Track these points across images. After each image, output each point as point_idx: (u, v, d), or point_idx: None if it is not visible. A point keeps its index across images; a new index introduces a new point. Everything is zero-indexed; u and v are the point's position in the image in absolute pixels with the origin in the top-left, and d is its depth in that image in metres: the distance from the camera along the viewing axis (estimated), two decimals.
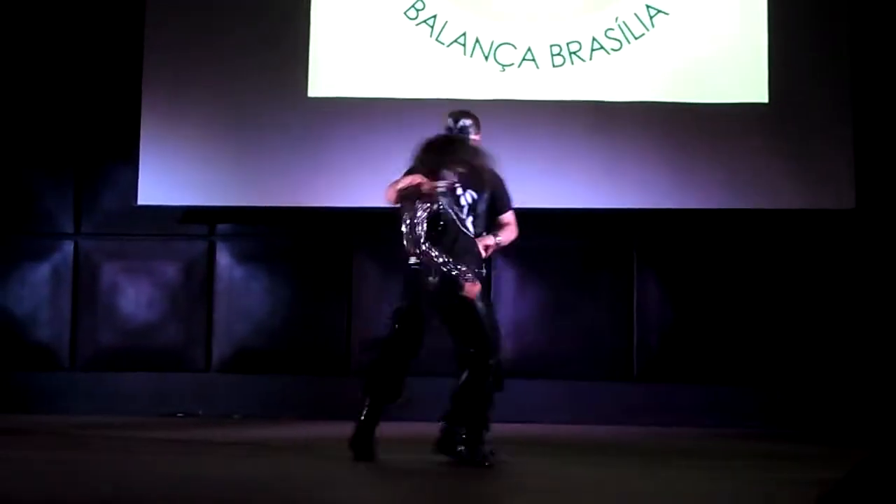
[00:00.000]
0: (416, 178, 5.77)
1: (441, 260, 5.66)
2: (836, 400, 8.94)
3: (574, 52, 9.16)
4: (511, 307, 9.27)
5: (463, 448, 5.73)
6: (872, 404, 8.81)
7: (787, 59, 9.06)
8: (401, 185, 5.82)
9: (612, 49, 9.16)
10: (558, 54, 9.16)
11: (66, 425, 8.09)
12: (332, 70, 9.30)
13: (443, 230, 5.75)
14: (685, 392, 9.13)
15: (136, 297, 9.64)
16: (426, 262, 5.70)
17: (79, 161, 9.71)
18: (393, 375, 5.94)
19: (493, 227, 6.05)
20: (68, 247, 9.72)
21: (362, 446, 5.86)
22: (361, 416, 5.90)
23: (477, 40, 9.22)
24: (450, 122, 6.12)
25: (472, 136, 6.08)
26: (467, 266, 5.69)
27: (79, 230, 9.72)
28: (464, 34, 9.24)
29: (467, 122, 6.11)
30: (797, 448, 7.28)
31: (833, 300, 9.17)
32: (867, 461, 2.90)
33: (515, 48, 9.19)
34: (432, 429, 5.86)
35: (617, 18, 9.19)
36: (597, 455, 6.79)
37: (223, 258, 9.67)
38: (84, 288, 9.68)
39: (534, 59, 9.16)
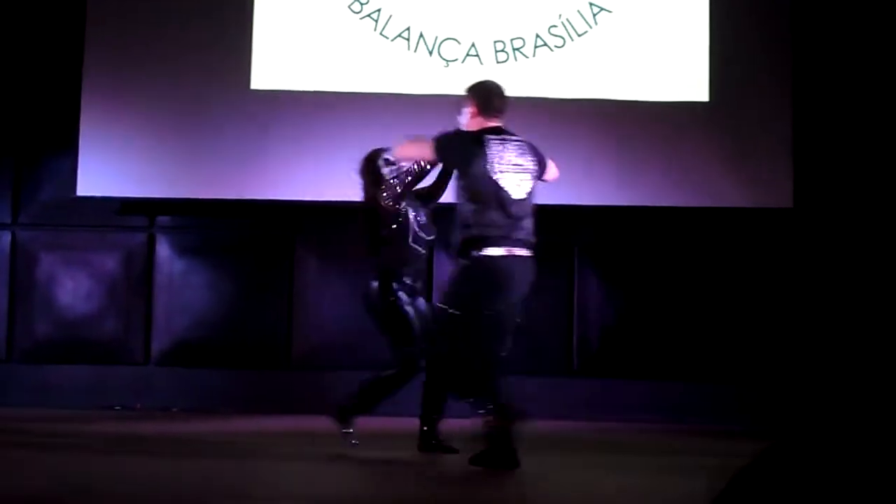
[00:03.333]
0: None
1: None
2: (773, 395, 9.05)
3: (517, 49, 9.19)
4: None
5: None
6: (808, 399, 8.93)
7: (728, 58, 9.16)
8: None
9: (556, 46, 9.20)
10: (502, 50, 9.19)
11: (3, 418, 8.00)
12: (276, 62, 9.26)
13: None
14: (624, 387, 9.20)
15: (74, 289, 9.54)
16: None
17: (17, 151, 9.58)
18: None
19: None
20: (5, 237, 9.59)
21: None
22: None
23: (421, 35, 9.22)
24: None
25: None
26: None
27: (16, 220, 9.60)
28: (408, 29, 9.24)
29: None
30: (734, 444, 7.35)
31: (770, 298, 9.28)
32: (763, 457, 2.91)
33: (459, 43, 9.21)
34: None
35: (560, 16, 9.23)
36: (535, 449, 6.80)
37: (163, 250, 9.59)
38: (21, 279, 9.56)
39: (478, 55, 9.18)
